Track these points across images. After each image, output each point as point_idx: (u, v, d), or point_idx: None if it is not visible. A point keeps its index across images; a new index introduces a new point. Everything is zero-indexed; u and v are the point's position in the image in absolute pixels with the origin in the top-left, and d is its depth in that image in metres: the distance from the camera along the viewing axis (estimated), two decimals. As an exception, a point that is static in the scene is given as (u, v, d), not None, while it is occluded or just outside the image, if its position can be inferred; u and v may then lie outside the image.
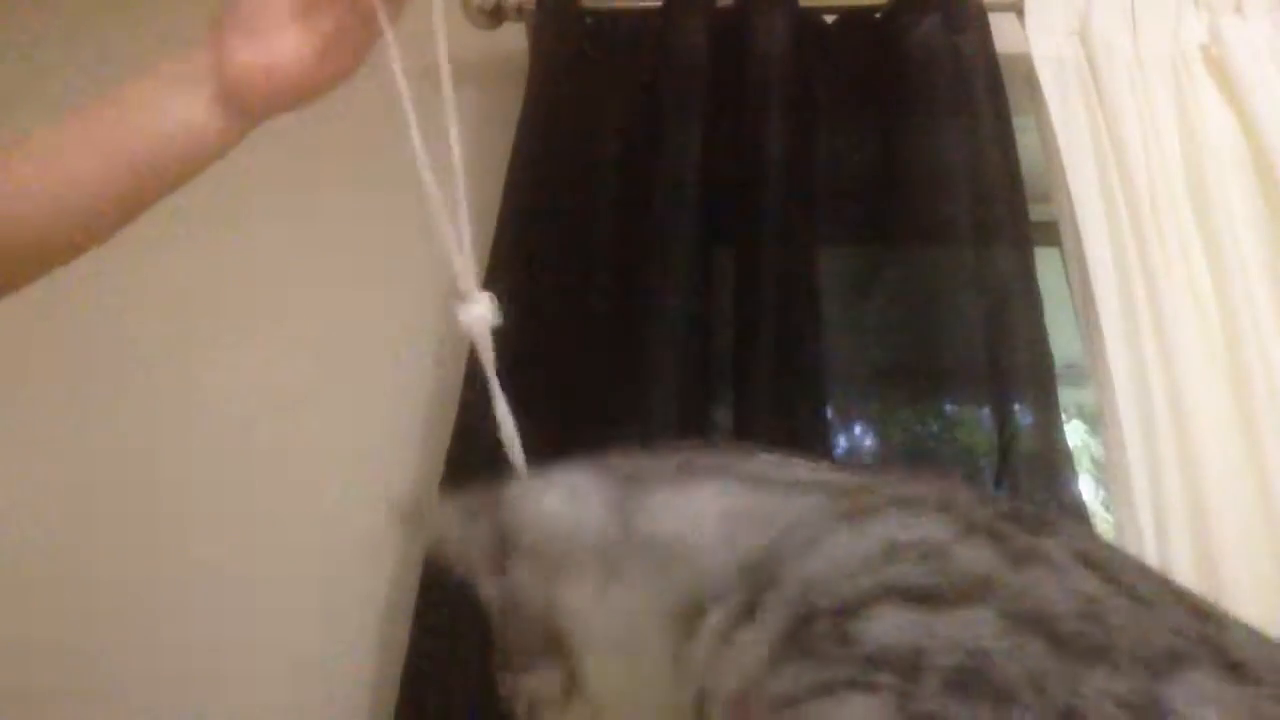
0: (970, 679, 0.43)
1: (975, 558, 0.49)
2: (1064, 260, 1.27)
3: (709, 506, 0.58)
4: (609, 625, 0.55)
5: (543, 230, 1.25)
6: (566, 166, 1.29)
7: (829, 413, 1.17)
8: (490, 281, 1.22)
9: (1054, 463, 1.11)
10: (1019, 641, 0.44)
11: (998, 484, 1.10)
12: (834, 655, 0.45)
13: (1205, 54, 1.31)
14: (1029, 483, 1.10)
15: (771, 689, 0.46)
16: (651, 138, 1.28)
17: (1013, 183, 1.25)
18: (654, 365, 1.15)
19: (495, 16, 1.39)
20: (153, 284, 1.39)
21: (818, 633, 0.46)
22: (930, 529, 0.51)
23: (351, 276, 1.38)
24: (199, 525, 1.25)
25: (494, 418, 0.63)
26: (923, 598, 0.46)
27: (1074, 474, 1.11)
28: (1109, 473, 1.15)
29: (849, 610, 0.46)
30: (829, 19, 1.40)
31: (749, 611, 0.49)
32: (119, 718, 1.16)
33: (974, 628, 0.45)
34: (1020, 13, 1.35)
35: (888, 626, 0.45)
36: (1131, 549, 1.07)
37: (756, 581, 0.50)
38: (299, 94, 0.68)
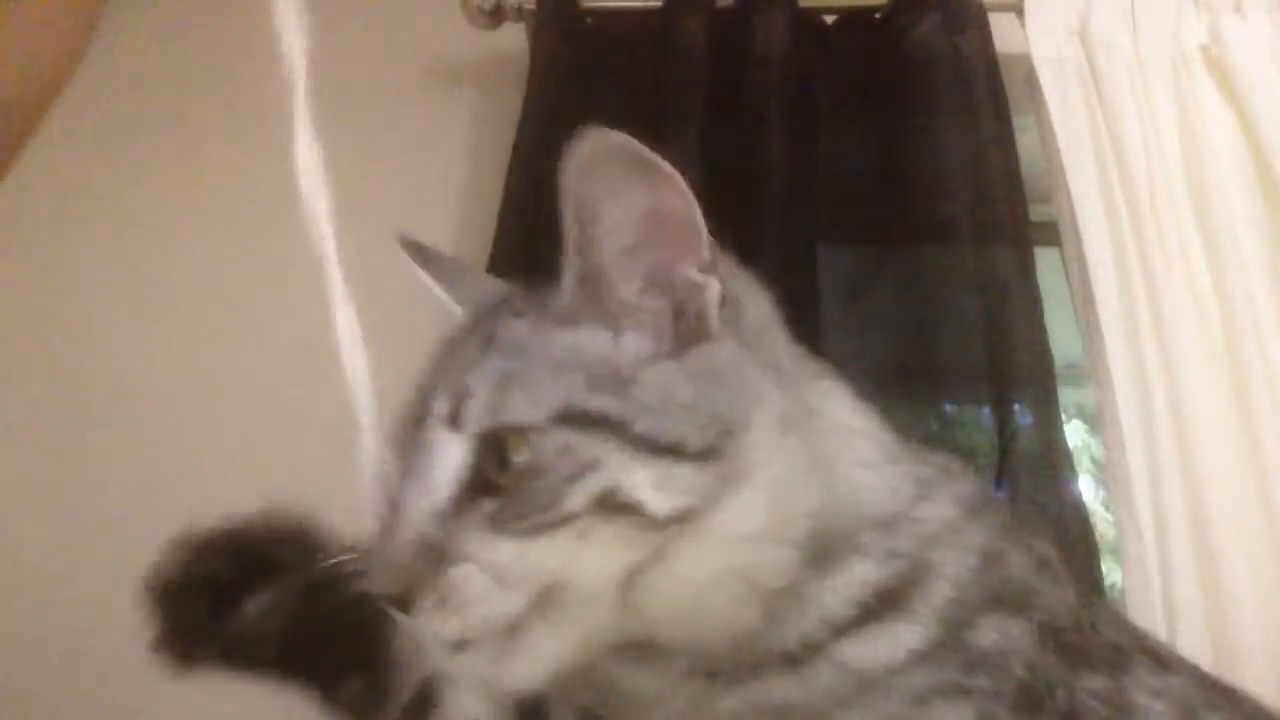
0: (1029, 691, 0.49)
1: (1024, 565, 0.54)
2: (1064, 260, 1.27)
3: (869, 438, 0.57)
4: (782, 456, 0.51)
5: (543, 230, 1.25)
6: (567, 166, 1.29)
7: (829, 413, 1.17)
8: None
9: (1054, 463, 1.11)
10: (1044, 653, 0.50)
11: (998, 484, 1.10)
12: (950, 661, 0.49)
13: (1205, 54, 1.31)
14: (1029, 483, 1.10)
15: (906, 685, 0.48)
16: (651, 138, 1.28)
17: (1013, 183, 1.24)
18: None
19: (495, 16, 1.39)
20: (153, 280, 1.39)
21: (946, 641, 0.50)
22: (995, 536, 0.55)
23: (353, 287, 1.38)
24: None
25: None
26: (1001, 604, 0.51)
27: (1074, 474, 1.11)
28: (1109, 473, 1.15)
29: (965, 623, 0.50)
30: (829, 19, 1.40)
31: (897, 599, 0.51)
32: (117, 718, 1.16)
33: (1025, 639, 0.50)
34: (1020, 13, 1.35)
35: (986, 633, 0.50)
36: (1132, 549, 1.08)
37: (901, 559, 0.52)
38: None
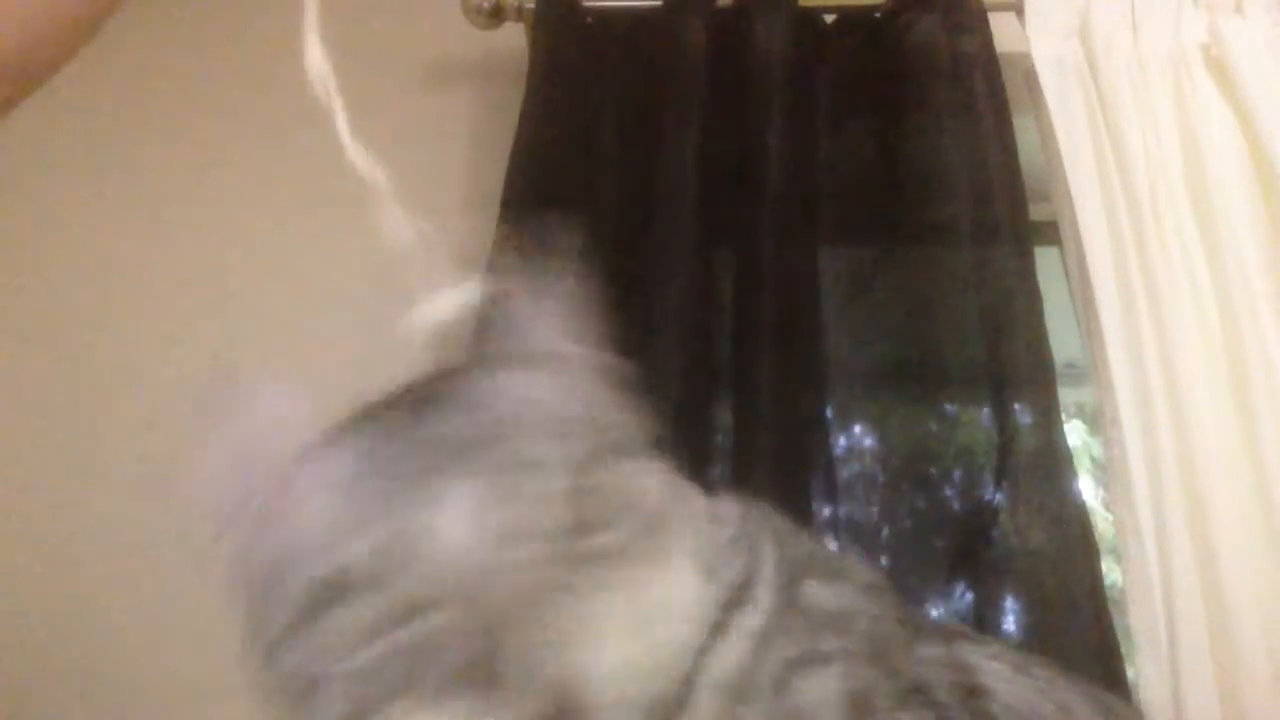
0: (878, 645, 0.49)
1: (818, 548, 0.62)
2: (1064, 260, 1.27)
3: None
4: None
5: (543, 231, 1.25)
6: (566, 166, 1.29)
7: (829, 413, 1.17)
8: (490, 281, 1.23)
9: (1054, 463, 1.10)
10: (883, 611, 0.52)
11: (998, 484, 1.10)
12: (796, 627, 0.50)
13: (1205, 54, 1.31)
14: (1029, 483, 1.10)
15: (764, 677, 0.48)
16: (651, 137, 1.28)
17: (1013, 183, 1.24)
18: (654, 366, 1.15)
19: (495, 16, 1.39)
20: (157, 284, 1.39)
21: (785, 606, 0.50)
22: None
23: (354, 286, 1.38)
24: (197, 527, 1.25)
25: None
26: (817, 570, 0.53)
27: (1074, 474, 1.11)
28: (1109, 473, 1.15)
29: (794, 582, 0.52)
30: (829, 19, 1.40)
31: (740, 596, 0.52)
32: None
33: (861, 598, 0.52)
34: (1020, 13, 1.35)
35: (816, 592, 0.51)
36: (1132, 549, 1.08)
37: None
38: None
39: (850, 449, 1.21)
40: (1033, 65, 1.31)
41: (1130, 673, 1.02)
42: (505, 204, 1.27)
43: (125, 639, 1.20)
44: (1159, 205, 1.21)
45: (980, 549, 1.07)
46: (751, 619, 0.50)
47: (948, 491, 1.15)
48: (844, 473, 1.16)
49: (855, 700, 0.46)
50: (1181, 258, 1.18)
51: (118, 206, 1.43)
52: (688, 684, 0.48)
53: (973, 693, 0.49)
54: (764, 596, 0.50)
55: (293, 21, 0.62)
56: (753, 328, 1.17)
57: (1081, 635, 1.02)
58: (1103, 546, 1.10)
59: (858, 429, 1.23)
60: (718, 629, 0.50)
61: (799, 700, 0.46)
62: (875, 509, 1.16)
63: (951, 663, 0.50)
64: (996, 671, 0.50)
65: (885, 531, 1.14)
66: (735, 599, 0.51)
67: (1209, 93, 1.29)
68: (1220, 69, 1.29)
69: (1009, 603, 1.06)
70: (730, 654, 0.49)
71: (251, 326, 1.37)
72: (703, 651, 0.49)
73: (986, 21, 1.34)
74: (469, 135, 1.47)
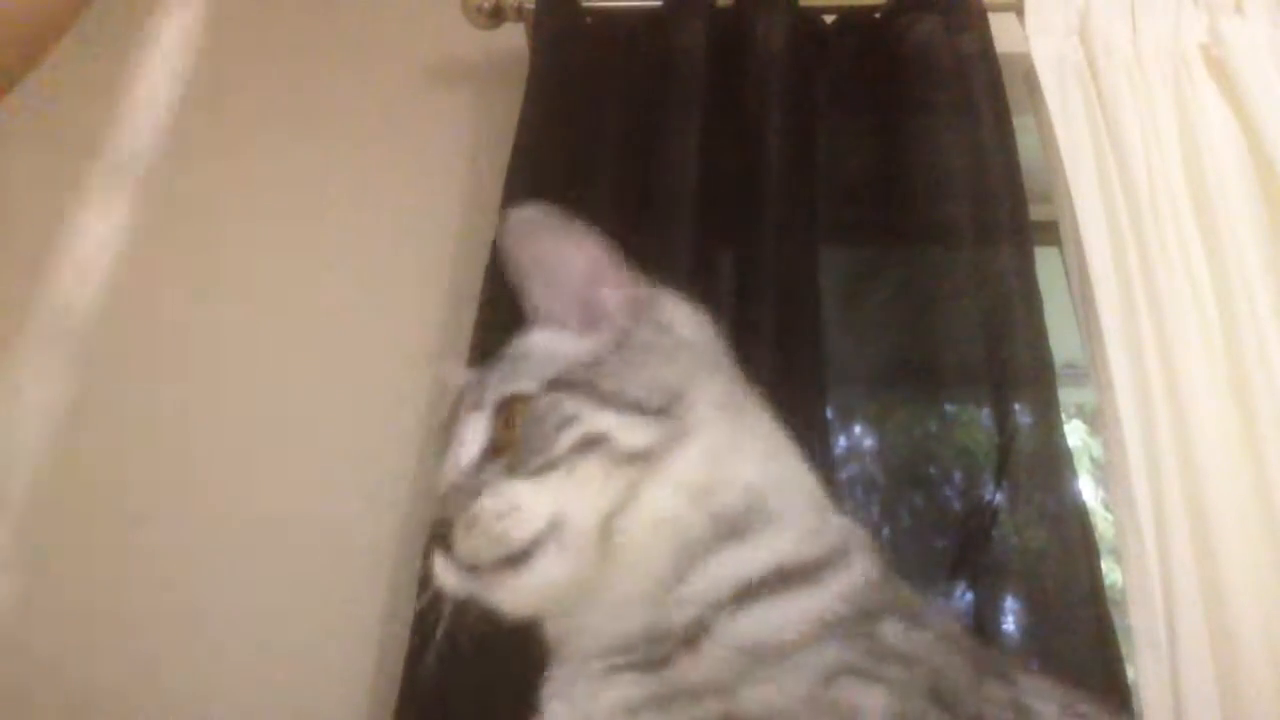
0: (940, 692, 0.53)
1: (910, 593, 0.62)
2: (1064, 260, 1.27)
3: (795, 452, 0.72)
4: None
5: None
6: (566, 166, 1.29)
7: (829, 413, 1.17)
8: (490, 281, 1.23)
9: (1054, 463, 1.10)
10: (950, 658, 0.56)
11: (998, 484, 1.10)
12: (860, 645, 0.54)
13: (1205, 54, 1.31)
14: (1029, 483, 1.10)
15: (816, 659, 0.53)
16: (651, 137, 1.28)
17: (1013, 183, 1.24)
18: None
19: (495, 16, 1.39)
20: (161, 276, 1.39)
21: (856, 623, 0.55)
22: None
23: (355, 288, 1.38)
24: (199, 527, 1.25)
25: None
26: (901, 614, 0.58)
27: (1074, 474, 1.11)
28: (1109, 473, 1.15)
29: (874, 615, 0.57)
30: (828, 19, 1.40)
31: (807, 573, 0.58)
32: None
33: (930, 647, 0.56)
34: (1020, 13, 1.35)
35: (893, 631, 0.56)
36: (1132, 549, 1.08)
37: (823, 540, 0.61)
38: None
39: (850, 449, 1.21)
40: (1033, 65, 1.31)
41: (1130, 673, 1.02)
42: (505, 203, 1.27)
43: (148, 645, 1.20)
44: (1159, 205, 1.21)
45: (980, 549, 1.07)
46: (813, 604, 0.56)
47: (948, 491, 1.15)
48: (844, 473, 1.16)
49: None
50: (1181, 258, 1.18)
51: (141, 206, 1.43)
52: (704, 627, 0.55)
53: None
54: (837, 596, 0.57)
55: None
56: (753, 328, 1.17)
57: (1081, 635, 1.02)
58: (1103, 546, 1.10)
59: (858, 429, 1.23)
60: (772, 586, 0.57)
61: (841, 697, 0.51)
62: (875, 509, 1.15)
63: (1012, 704, 0.55)
64: (1048, 714, 0.55)
65: (885, 531, 1.14)
66: (803, 573, 0.58)
67: (1209, 93, 1.29)
68: (1220, 69, 1.29)
69: (1009, 603, 1.06)
70: (768, 618, 0.55)
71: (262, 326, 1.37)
72: (728, 606, 0.56)
73: (986, 21, 1.34)
74: (469, 135, 1.47)
